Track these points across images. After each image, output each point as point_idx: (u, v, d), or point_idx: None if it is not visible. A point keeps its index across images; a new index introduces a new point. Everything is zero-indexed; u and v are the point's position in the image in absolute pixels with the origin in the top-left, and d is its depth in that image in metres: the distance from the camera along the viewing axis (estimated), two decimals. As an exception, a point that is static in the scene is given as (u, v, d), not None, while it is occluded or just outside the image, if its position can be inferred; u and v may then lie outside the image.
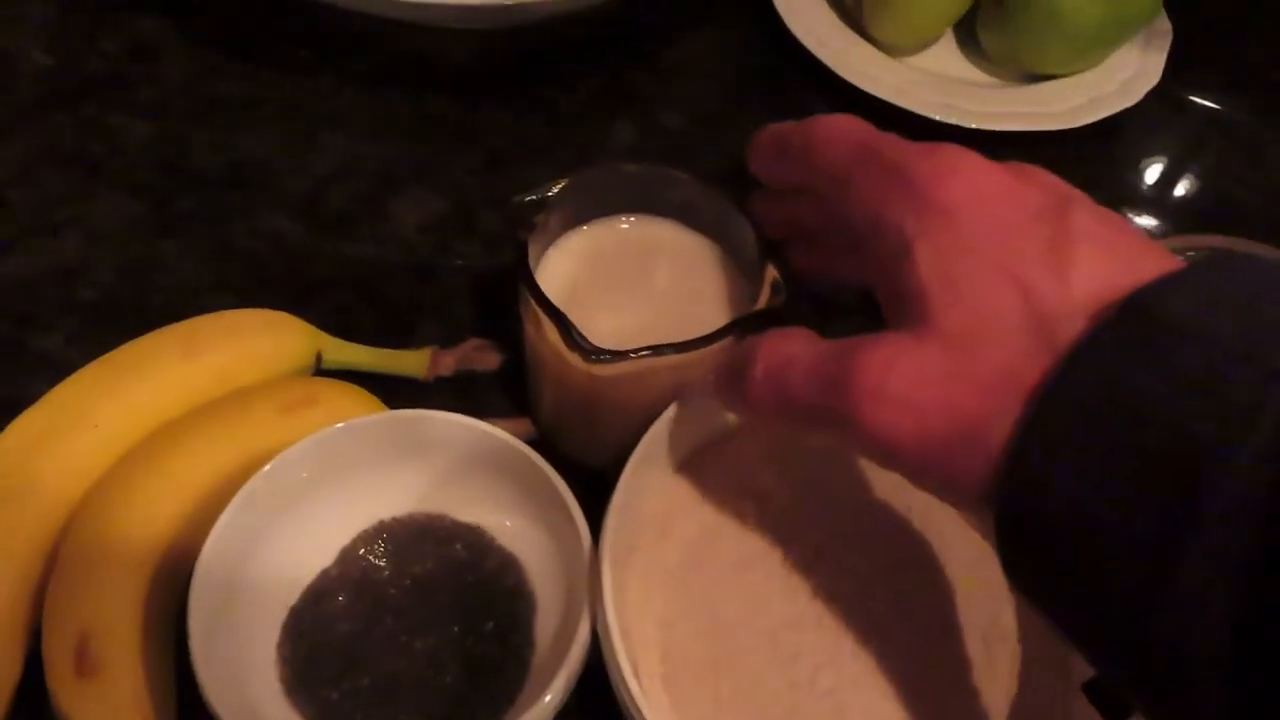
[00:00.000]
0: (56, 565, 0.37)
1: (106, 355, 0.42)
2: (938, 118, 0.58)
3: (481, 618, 0.39)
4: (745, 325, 0.38)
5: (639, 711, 0.31)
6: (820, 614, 0.36)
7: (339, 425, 0.38)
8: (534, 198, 0.39)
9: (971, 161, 0.29)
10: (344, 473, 0.40)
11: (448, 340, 0.47)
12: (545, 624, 0.39)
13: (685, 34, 0.64)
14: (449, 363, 0.46)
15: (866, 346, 0.27)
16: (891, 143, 0.31)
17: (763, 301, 0.38)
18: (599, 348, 0.35)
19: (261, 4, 0.61)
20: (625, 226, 0.42)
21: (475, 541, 0.41)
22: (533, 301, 0.37)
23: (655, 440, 0.37)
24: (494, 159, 0.57)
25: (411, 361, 0.46)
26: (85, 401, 0.41)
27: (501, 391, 0.47)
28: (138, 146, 0.55)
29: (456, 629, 0.39)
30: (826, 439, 0.41)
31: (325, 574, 0.40)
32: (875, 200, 0.29)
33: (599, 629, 0.34)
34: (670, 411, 0.37)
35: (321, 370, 0.46)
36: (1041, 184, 0.28)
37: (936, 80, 0.61)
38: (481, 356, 0.46)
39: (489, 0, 0.50)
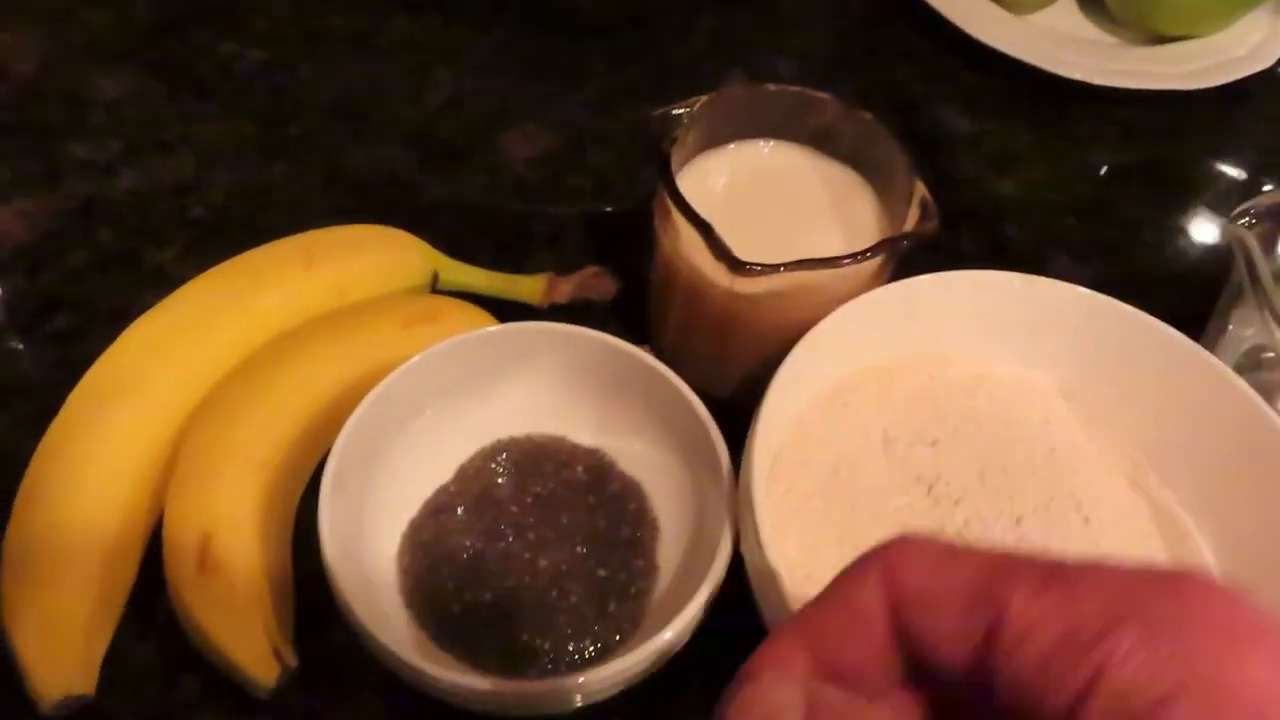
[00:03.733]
0: (178, 464, 0.37)
1: (226, 262, 0.42)
2: (1061, 73, 0.56)
3: (604, 541, 0.38)
4: (896, 244, 0.36)
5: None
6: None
7: (477, 332, 0.37)
8: (677, 111, 0.38)
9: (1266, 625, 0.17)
10: (465, 389, 0.39)
11: (558, 272, 0.46)
12: (669, 550, 0.38)
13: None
14: (565, 289, 0.45)
15: None
16: (1043, 572, 0.18)
17: (911, 223, 0.37)
18: (747, 260, 0.34)
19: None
20: (765, 150, 0.41)
21: (596, 464, 0.40)
22: (675, 211, 0.36)
23: (797, 364, 0.35)
24: (604, 99, 0.56)
25: (527, 286, 0.45)
26: (206, 306, 0.40)
27: (616, 322, 0.46)
28: (249, 73, 0.55)
29: (580, 550, 0.37)
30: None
31: (444, 490, 0.39)
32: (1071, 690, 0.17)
33: (745, 550, 0.33)
34: (812, 335, 0.36)
35: (437, 291, 0.45)
36: None
37: (1058, 37, 0.59)
38: (599, 283, 0.45)
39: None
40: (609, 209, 0.50)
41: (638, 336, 0.45)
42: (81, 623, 0.34)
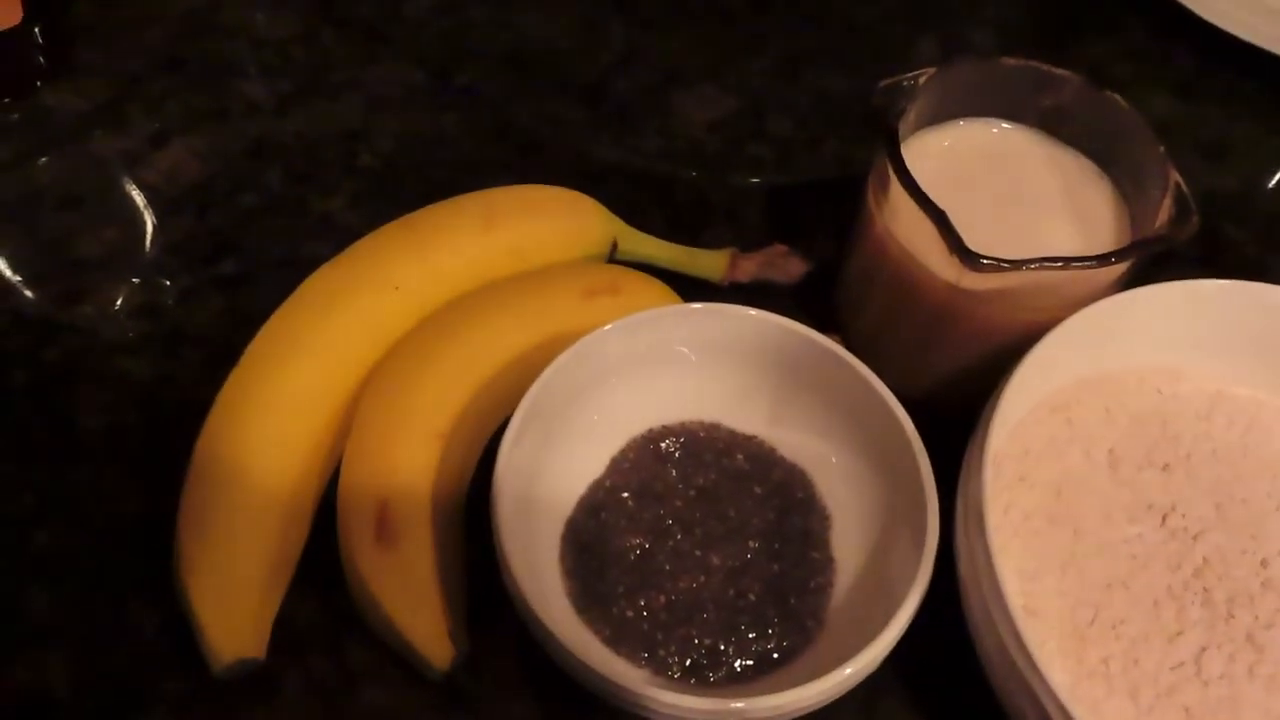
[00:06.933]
0: (355, 428, 0.35)
1: (405, 218, 0.40)
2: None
3: (775, 532, 0.35)
4: (1151, 245, 0.33)
5: (1027, 661, 0.26)
6: (1207, 590, 0.31)
7: (672, 308, 0.35)
8: (906, 83, 0.35)
9: None
10: (626, 369, 0.36)
11: (737, 247, 0.43)
12: (844, 543, 0.35)
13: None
14: (749, 268, 0.42)
15: None
16: None
17: (1163, 220, 0.33)
18: (986, 255, 0.31)
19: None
20: (993, 130, 0.37)
21: (756, 452, 0.37)
22: (897, 193, 0.33)
23: (1029, 371, 0.32)
24: (786, 63, 0.52)
25: (709, 262, 0.42)
26: (386, 261, 0.39)
27: (798, 306, 0.43)
28: (417, 16, 0.53)
29: (753, 544, 0.35)
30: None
31: (599, 485, 0.36)
32: None
33: (965, 568, 0.30)
34: (1049, 340, 0.33)
35: (614, 260, 0.42)
36: None
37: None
38: (786, 264, 0.42)
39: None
40: (792, 182, 0.47)
41: (820, 324, 0.43)
42: (258, 583, 0.33)
